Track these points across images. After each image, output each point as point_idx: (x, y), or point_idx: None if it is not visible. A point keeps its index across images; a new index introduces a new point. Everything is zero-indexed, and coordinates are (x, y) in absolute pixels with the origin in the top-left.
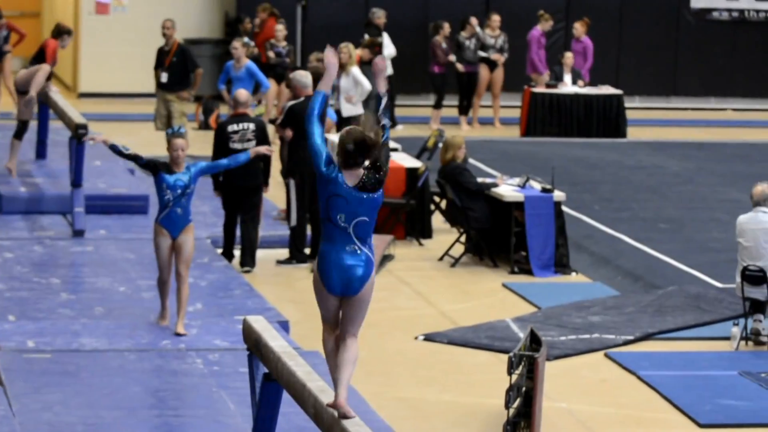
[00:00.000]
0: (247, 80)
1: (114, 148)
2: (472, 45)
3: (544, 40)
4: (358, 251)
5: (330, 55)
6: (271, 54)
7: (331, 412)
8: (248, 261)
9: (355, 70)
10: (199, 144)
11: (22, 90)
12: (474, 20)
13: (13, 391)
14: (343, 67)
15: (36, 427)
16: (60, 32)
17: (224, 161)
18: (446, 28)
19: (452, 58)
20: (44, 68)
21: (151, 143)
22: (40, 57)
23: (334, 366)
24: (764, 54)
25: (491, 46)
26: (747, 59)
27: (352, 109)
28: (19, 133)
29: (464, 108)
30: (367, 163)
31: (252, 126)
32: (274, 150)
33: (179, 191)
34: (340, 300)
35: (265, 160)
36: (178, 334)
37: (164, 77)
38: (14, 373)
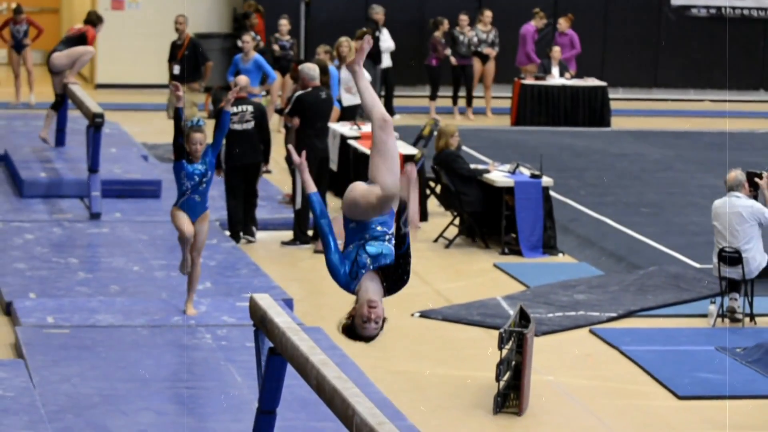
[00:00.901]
0: (254, 72)
1: (178, 112)
2: (466, 40)
3: (537, 36)
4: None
5: (300, 164)
6: (275, 47)
7: None
8: (251, 231)
9: None
10: (208, 132)
11: (56, 71)
12: (464, 18)
13: (34, 364)
14: (343, 60)
15: (54, 398)
16: (99, 20)
17: (216, 132)
18: (445, 24)
19: (448, 52)
20: (90, 50)
21: (162, 131)
22: (77, 42)
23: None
24: (740, 48)
25: (483, 40)
26: (724, 53)
27: (351, 98)
28: (56, 105)
29: (467, 99)
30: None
31: (250, 108)
32: (234, 97)
33: (197, 179)
34: None
35: (265, 141)
36: (188, 315)
37: (176, 69)
38: (34, 347)
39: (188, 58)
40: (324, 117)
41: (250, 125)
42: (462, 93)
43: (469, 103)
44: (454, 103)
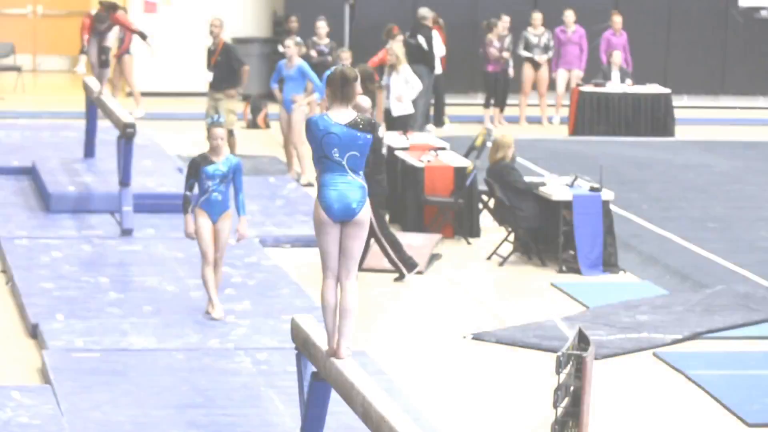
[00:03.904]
0: (299, 79)
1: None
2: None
3: (564, 36)
4: (351, 179)
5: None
6: (312, 52)
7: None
8: None
9: (405, 69)
10: (248, 143)
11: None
12: (506, 18)
13: (62, 390)
14: (393, 67)
15: (84, 426)
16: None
17: (241, 198)
18: (500, 25)
19: (506, 55)
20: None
21: (197, 142)
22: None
23: (332, 318)
24: None
25: (535, 45)
26: None
27: (402, 108)
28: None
29: (496, 105)
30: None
31: None
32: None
33: (218, 179)
34: (341, 230)
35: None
36: (213, 318)
37: (210, 76)
38: (63, 372)
39: (222, 63)
40: None
41: None
42: (516, 101)
43: (502, 108)
44: (486, 107)
